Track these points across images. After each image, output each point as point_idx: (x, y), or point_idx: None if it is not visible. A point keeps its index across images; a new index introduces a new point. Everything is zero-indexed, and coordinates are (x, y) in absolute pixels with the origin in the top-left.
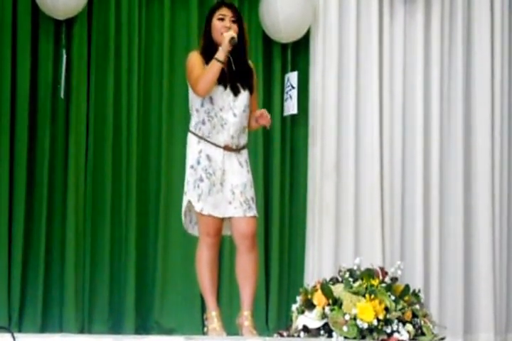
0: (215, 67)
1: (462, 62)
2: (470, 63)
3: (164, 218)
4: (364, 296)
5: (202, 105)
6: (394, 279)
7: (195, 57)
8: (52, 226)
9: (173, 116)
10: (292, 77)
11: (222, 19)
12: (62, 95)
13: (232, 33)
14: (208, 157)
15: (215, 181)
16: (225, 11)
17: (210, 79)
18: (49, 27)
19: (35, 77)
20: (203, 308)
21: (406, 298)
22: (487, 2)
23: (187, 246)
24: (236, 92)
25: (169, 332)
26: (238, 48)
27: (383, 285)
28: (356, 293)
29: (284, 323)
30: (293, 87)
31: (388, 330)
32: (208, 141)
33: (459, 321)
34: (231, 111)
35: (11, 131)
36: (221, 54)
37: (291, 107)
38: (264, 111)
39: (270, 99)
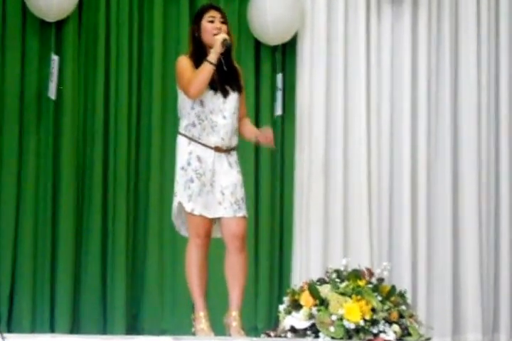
0: (206, 69)
1: (449, 63)
2: (457, 65)
3: (155, 220)
4: (351, 297)
5: (192, 108)
6: (380, 280)
7: (184, 61)
8: (43, 226)
9: (164, 116)
10: (279, 79)
11: (212, 21)
12: (53, 96)
13: (225, 35)
14: (199, 158)
15: (206, 182)
16: (213, 13)
17: (203, 82)
18: (38, 29)
19: (23, 79)
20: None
21: (392, 298)
22: (474, 4)
23: (177, 247)
24: (226, 94)
25: (160, 333)
26: (229, 49)
27: (370, 285)
28: (343, 294)
29: (274, 324)
30: (279, 89)
31: (375, 331)
32: (199, 142)
33: (447, 321)
34: (221, 113)
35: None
36: (213, 56)
37: (278, 108)
38: (268, 131)
39: (260, 100)
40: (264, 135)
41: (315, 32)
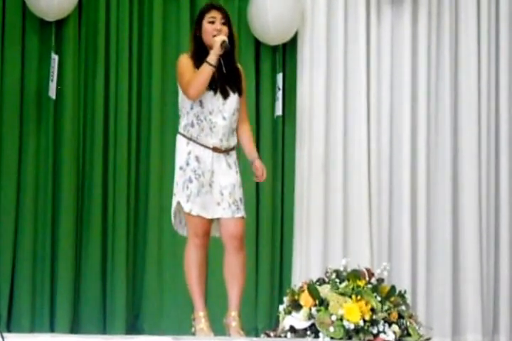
0: (206, 71)
1: (449, 63)
2: (457, 64)
3: (155, 220)
4: (350, 297)
5: (191, 108)
6: (380, 280)
7: (185, 60)
8: (43, 226)
9: (164, 116)
10: (279, 79)
11: (212, 22)
12: (53, 96)
13: (224, 36)
14: (197, 158)
15: (204, 182)
16: (215, 14)
17: (202, 83)
18: (38, 28)
19: (24, 78)
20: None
21: (392, 298)
22: (474, 4)
23: (177, 247)
24: (225, 96)
25: (160, 333)
26: (228, 51)
27: (369, 286)
28: (343, 294)
29: (274, 324)
30: (279, 89)
31: (374, 331)
32: (197, 143)
33: (447, 322)
34: (220, 114)
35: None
36: (213, 57)
37: (278, 108)
38: (261, 168)
39: (260, 100)
40: (259, 170)
41: (315, 32)
